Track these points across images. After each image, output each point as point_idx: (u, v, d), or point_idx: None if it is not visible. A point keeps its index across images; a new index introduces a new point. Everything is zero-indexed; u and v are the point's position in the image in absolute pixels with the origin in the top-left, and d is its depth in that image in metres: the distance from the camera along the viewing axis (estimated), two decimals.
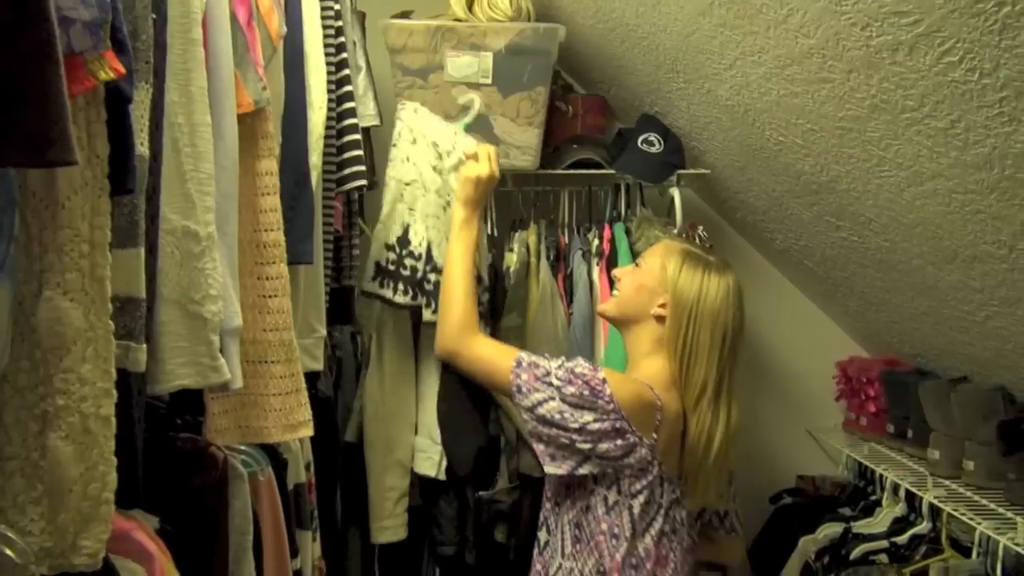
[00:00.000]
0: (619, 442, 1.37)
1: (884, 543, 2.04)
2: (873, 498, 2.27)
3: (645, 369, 1.49)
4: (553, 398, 1.38)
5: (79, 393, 0.69)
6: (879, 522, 2.15)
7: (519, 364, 1.45)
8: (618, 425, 1.36)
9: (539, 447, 1.42)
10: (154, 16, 0.80)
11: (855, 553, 2.03)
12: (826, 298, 2.51)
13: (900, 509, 2.12)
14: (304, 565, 1.45)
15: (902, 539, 2.04)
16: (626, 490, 1.41)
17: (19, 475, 0.69)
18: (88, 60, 0.63)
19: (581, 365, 1.42)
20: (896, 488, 2.11)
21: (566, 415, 1.37)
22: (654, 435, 1.40)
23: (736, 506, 1.66)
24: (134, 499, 0.88)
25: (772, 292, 2.63)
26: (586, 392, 1.37)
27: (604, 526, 1.42)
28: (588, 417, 1.36)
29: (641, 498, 1.41)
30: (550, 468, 1.41)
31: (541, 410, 1.38)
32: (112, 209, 0.75)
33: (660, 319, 1.49)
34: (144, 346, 0.81)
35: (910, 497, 2.07)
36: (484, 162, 1.68)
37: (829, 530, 2.18)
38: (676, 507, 1.46)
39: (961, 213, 1.45)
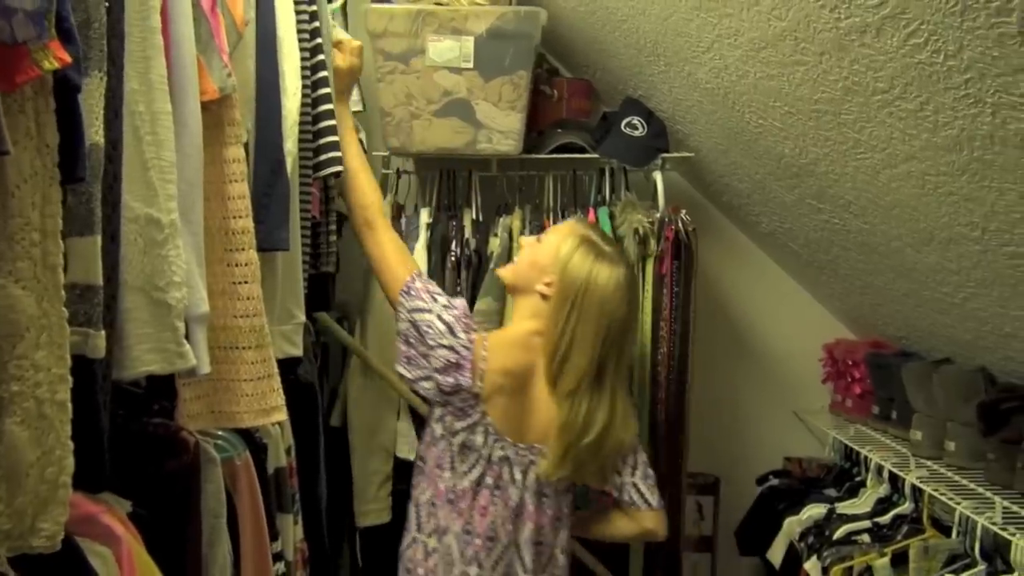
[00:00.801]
0: (451, 378, 1.51)
1: (867, 523, 2.06)
2: (858, 479, 2.29)
3: (502, 331, 1.68)
4: (431, 311, 1.54)
5: (33, 379, 0.70)
6: (863, 503, 2.17)
7: (420, 275, 1.61)
8: (460, 362, 1.51)
9: (401, 347, 1.56)
10: (107, 4, 0.80)
11: (838, 533, 2.05)
12: (812, 280, 2.52)
13: (884, 490, 2.14)
14: (285, 547, 1.47)
15: (885, 519, 2.06)
16: (449, 426, 1.55)
17: None
18: (32, 50, 0.63)
19: (467, 313, 1.58)
20: (880, 469, 2.13)
21: (432, 331, 1.52)
22: (480, 383, 1.52)
23: (638, 481, 1.66)
24: (101, 483, 0.89)
25: (759, 274, 2.64)
26: (457, 326, 1.53)
27: (433, 455, 1.57)
28: (445, 342, 1.51)
29: (459, 439, 1.54)
30: (401, 369, 1.56)
31: (417, 316, 1.54)
32: (67, 198, 0.76)
33: (544, 297, 1.57)
34: (103, 332, 0.82)
35: (893, 478, 2.08)
36: (345, 54, 1.72)
37: (814, 511, 2.19)
38: (507, 465, 1.56)
39: (935, 195, 1.46)
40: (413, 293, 1.57)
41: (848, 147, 1.56)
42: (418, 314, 1.54)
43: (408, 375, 1.55)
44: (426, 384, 1.53)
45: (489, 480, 1.55)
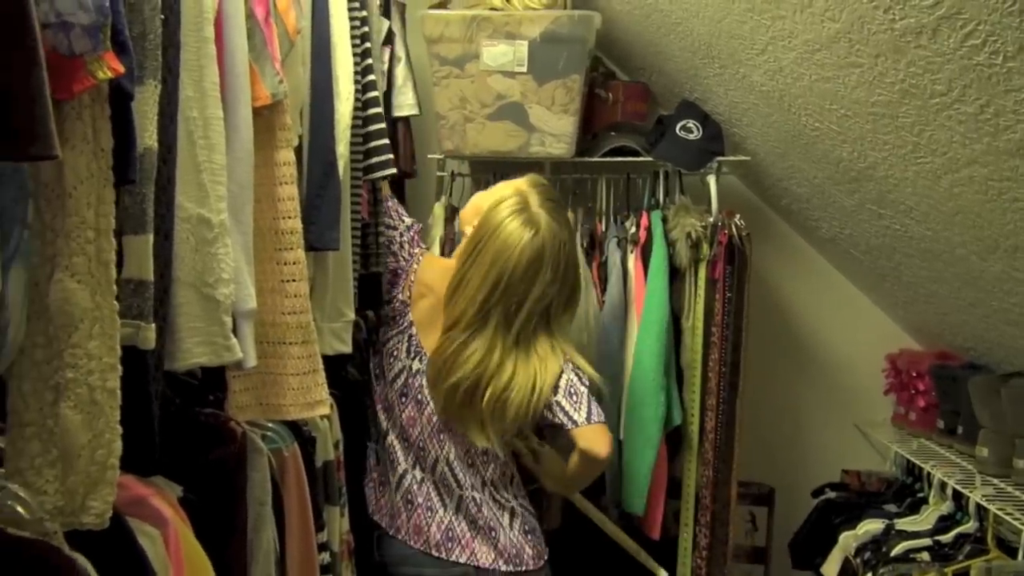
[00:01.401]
0: (393, 286, 1.70)
1: (927, 541, 1.99)
2: (920, 495, 2.21)
3: (443, 260, 1.81)
4: (396, 228, 1.79)
5: (86, 367, 0.75)
6: (924, 520, 2.09)
7: (392, 197, 1.83)
8: (398, 271, 1.71)
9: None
10: (163, 17, 0.85)
11: (896, 550, 1.98)
12: (874, 288, 2.44)
13: (947, 507, 2.06)
14: (331, 538, 1.51)
15: (947, 538, 1.98)
16: (383, 335, 1.69)
17: (36, 440, 0.76)
18: (88, 61, 0.68)
19: (418, 231, 1.83)
20: (943, 486, 2.05)
21: (390, 242, 1.76)
22: (408, 293, 1.67)
23: (569, 407, 1.59)
24: (152, 467, 0.94)
25: (819, 281, 2.57)
26: (413, 239, 1.78)
27: (373, 365, 1.73)
28: (394, 248, 1.75)
29: (388, 346, 1.67)
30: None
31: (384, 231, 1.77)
32: (123, 198, 0.81)
33: (463, 235, 1.67)
34: (153, 325, 0.87)
35: (957, 495, 2.00)
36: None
37: (871, 526, 2.13)
38: (421, 378, 1.65)
39: (999, 201, 1.40)
40: (382, 209, 1.74)
41: (907, 151, 1.51)
42: (386, 230, 1.74)
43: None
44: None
45: (410, 392, 1.65)
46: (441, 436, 1.65)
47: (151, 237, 0.86)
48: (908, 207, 1.72)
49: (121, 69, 0.71)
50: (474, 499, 1.65)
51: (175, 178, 0.93)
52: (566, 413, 1.57)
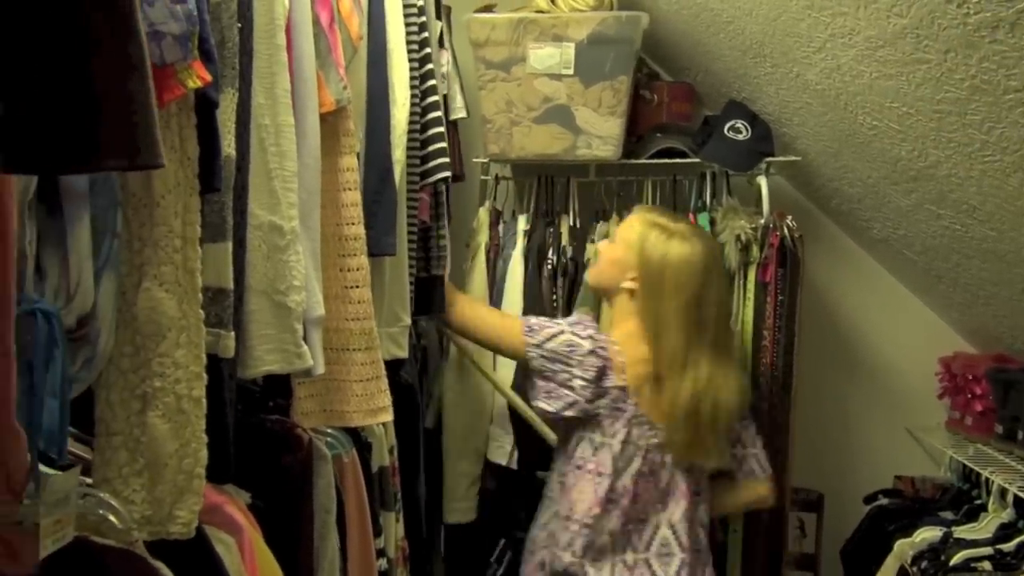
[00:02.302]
0: (604, 381, 1.58)
1: (988, 550, 1.93)
2: (978, 502, 2.15)
3: (617, 333, 1.65)
4: (563, 332, 1.61)
5: (174, 376, 0.75)
6: (983, 528, 2.04)
7: (529, 318, 1.68)
8: (601, 364, 1.58)
9: (540, 383, 1.61)
10: (239, 24, 0.85)
11: (956, 559, 1.93)
12: (928, 290, 2.38)
13: (1008, 515, 2.00)
14: (387, 544, 1.51)
15: (1009, 547, 1.92)
16: (607, 430, 1.59)
17: (123, 449, 0.76)
18: (178, 70, 0.68)
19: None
20: (1003, 492, 2.00)
21: (575, 346, 1.58)
22: (624, 376, 1.58)
23: (758, 451, 1.76)
24: (226, 475, 0.94)
25: (870, 283, 2.52)
26: (591, 333, 1.61)
27: (591, 466, 1.60)
28: (588, 346, 1.59)
29: (620, 437, 1.58)
30: (543, 404, 1.60)
31: (552, 343, 1.59)
32: (202, 206, 0.81)
33: (632, 292, 1.63)
34: (233, 333, 0.87)
35: (1019, 503, 1.95)
36: None
37: (928, 534, 2.07)
38: (656, 451, 1.61)
39: None
40: (536, 328, 1.64)
41: (974, 149, 1.47)
42: (552, 341, 1.61)
43: (550, 408, 1.60)
44: (570, 412, 1.59)
45: (645, 469, 1.61)
46: (668, 499, 1.65)
47: (230, 245, 0.86)
48: (971, 206, 1.68)
49: (209, 78, 0.71)
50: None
51: (248, 185, 0.93)
52: (760, 464, 1.77)
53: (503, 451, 2.01)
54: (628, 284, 1.62)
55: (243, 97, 0.90)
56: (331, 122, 1.14)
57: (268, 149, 0.96)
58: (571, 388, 1.57)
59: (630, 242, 1.62)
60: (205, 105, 0.76)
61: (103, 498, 0.73)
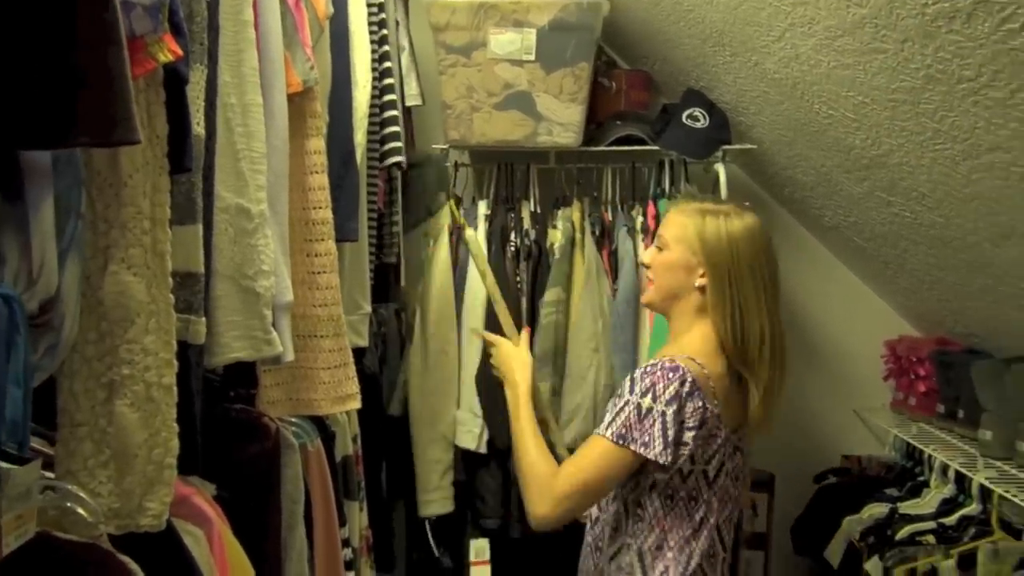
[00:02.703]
0: (701, 416, 1.33)
1: (932, 524, 2.01)
2: (921, 479, 2.24)
3: (686, 344, 1.40)
4: (664, 412, 1.30)
5: (143, 363, 0.72)
6: (927, 503, 2.12)
7: (612, 431, 1.31)
8: (698, 398, 1.32)
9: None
10: None
11: (901, 534, 2.01)
12: (876, 276, 2.46)
13: (949, 490, 2.09)
14: (352, 534, 1.49)
15: (950, 520, 2.01)
16: (700, 458, 1.35)
17: (88, 440, 0.73)
18: (148, 43, 0.65)
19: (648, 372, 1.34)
20: (945, 469, 2.08)
21: (676, 415, 1.30)
22: (715, 401, 1.34)
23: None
24: (193, 466, 0.91)
25: (820, 270, 2.59)
26: (670, 375, 1.31)
27: (683, 493, 1.37)
28: (687, 403, 1.31)
29: (715, 462, 1.37)
30: (663, 458, 1.31)
31: (670, 434, 1.30)
32: (170, 187, 0.78)
33: (702, 289, 1.42)
34: (203, 319, 0.84)
35: (959, 478, 2.03)
36: (498, 356, 1.55)
37: (874, 510, 2.15)
38: (731, 459, 1.42)
39: (1020, 186, 1.41)
40: (636, 433, 1.32)
41: (926, 137, 1.52)
42: (655, 429, 1.31)
43: (671, 455, 1.31)
44: (684, 450, 1.33)
45: (727, 482, 1.42)
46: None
47: (200, 228, 0.82)
48: (921, 194, 1.73)
49: (180, 52, 0.68)
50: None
51: (215, 166, 0.90)
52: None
53: (472, 435, 2.00)
54: (700, 282, 1.41)
55: (210, 75, 0.87)
56: (298, 103, 1.11)
57: (235, 129, 0.92)
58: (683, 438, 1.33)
59: (686, 238, 1.42)
60: (174, 81, 0.73)
61: (70, 490, 0.70)
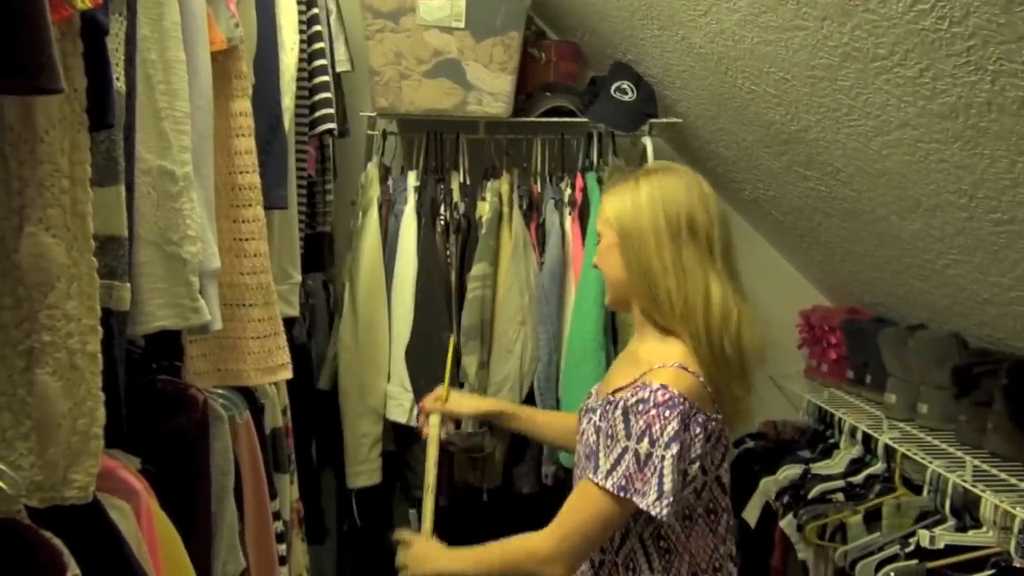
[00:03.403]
0: (704, 434, 1.20)
1: (841, 483, 2.13)
2: (832, 441, 2.36)
3: (672, 346, 1.25)
4: (663, 457, 1.16)
5: (65, 329, 0.69)
6: (836, 463, 2.24)
7: (612, 481, 1.18)
8: (699, 418, 1.19)
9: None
10: None
11: (813, 492, 2.12)
12: (792, 248, 2.56)
13: (857, 451, 2.21)
14: (282, 507, 1.47)
15: (858, 479, 2.13)
16: (711, 467, 1.26)
17: (6, 411, 0.69)
18: None
19: (645, 403, 1.19)
20: (853, 431, 2.20)
21: (677, 459, 1.16)
22: (715, 406, 1.23)
23: None
24: (118, 439, 0.88)
25: (739, 242, 2.59)
26: (666, 414, 1.16)
27: (700, 509, 1.27)
28: (686, 435, 1.17)
29: (725, 465, 1.29)
30: (656, 509, 1.17)
31: (667, 483, 1.16)
32: (90, 146, 0.74)
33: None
34: (128, 285, 0.81)
35: (867, 439, 2.15)
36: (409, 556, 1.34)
37: (789, 471, 2.26)
38: (718, 490, 1.33)
39: (925, 162, 1.49)
40: (637, 484, 1.18)
41: (842, 114, 1.58)
42: (666, 482, 1.17)
43: (668, 505, 1.17)
44: (690, 476, 1.22)
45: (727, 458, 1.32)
46: None
47: (122, 189, 0.78)
48: (836, 169, 1.81)
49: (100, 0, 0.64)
50: None
51: (135, 125, 0.86)
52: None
53: (402, 408, 2.00)
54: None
55: (129, 28, 0.82)
56: (222, 63, 1.06)
57: (156, 87, 0.88)
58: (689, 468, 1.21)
59: (605, 218, 1.31)
60: (92, 31, 0.69)
61: None
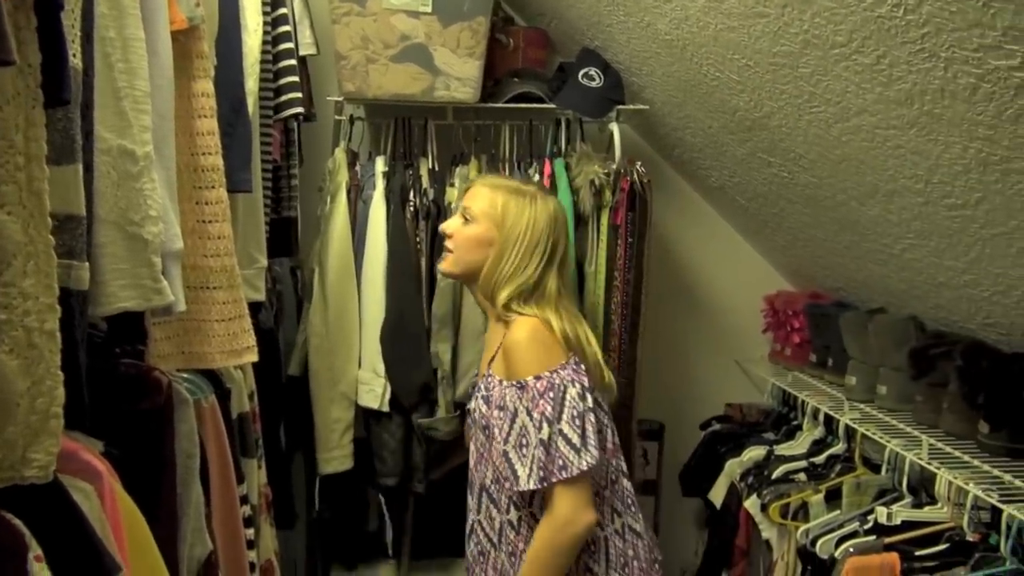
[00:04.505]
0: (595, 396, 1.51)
1: (803, 463, 2.18)
2: (795, 423, 2.41)
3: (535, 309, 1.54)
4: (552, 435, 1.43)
5: (22, 307, 0.68)
6: (799, 444, 2.29)
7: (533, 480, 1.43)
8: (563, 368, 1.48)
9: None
10: None
11: (776, 473, 2.16)
12: (756, 234, 2.60)
13: (819, 432, 2.26)
14: (250, 491, 1.47)
15: (820, 459, 2.18)
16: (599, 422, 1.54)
17: None
18: None
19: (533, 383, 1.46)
20: (816, 413, 2.25)
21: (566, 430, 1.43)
22: (571, 355, 1.50)
23: None
24: (80, 422, 0.87)
25: (705, 229, 2.71)
26: (551, 397, 1.45)
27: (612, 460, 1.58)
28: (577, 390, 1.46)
29: (593, 417, 1.47)
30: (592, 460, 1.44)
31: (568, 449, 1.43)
32: (46, 123, 0.73)
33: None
34: (87, 264, 0.80)
35: (828, 421, 2.20)
36: None
37: (753, 453, 2.31)
38: (599, 411, 1.57)
39: (883, 148, 1.52)
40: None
41: (803, 100, 1.61)
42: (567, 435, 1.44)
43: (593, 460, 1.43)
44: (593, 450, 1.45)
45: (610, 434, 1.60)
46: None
47: (80, 167, 0.78)
48: (798, 155, 1.84)
49: None
50: None
51: (93, 104, 0.85)
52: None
53: (374, 394, 2.00)
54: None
55: (85, 4, 0.81)
56: (183, 42, 1.05)
57: (115, 65, 0.87)
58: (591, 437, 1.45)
59: (493, 214, 1.57)
60: (46, 5, 0.68)
61: None
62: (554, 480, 1.40)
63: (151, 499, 1.03)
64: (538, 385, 1.44)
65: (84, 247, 0.80)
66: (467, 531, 1.62)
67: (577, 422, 1.42)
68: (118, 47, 0.87)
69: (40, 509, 0.79)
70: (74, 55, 0.75)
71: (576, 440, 1.41)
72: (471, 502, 1.61)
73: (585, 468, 1.41)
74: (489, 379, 1.55)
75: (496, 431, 1.49)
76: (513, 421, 1.45)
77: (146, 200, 0.90)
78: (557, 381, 1.44)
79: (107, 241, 0.89)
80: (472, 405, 1.61)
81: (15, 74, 0.66)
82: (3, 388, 0.68)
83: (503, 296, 1.53)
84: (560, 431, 1.41)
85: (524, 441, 1.43)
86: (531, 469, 1.41)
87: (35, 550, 0.73)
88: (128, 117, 0.88)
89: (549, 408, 1.42)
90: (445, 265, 1.61)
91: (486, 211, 1.55)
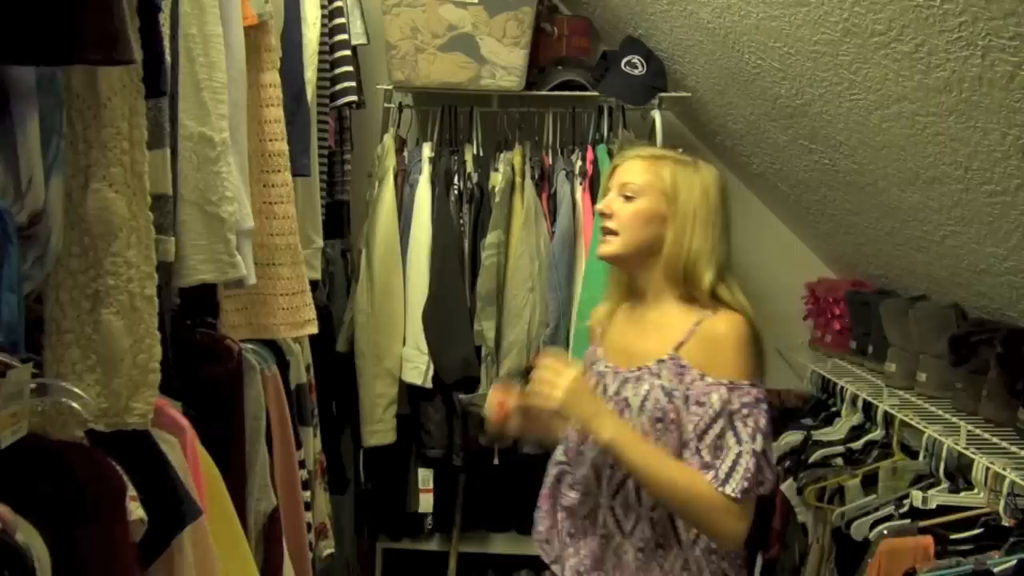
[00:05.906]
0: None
1: (841, 448, 2.20)
2: (833, 409, 2.42)
3: (735, 308, 1.39)
4: (744, 451, 1.27)
5: (127, 275, 0.78)
6: (837, 430, 2.31)
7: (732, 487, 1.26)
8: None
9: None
10: None
11: (814, 457, 2.19)
12: (798, 221, 2.62)
13: (857, 418, 2.27)
14: (307, 457, 1.57)
15: (857, 445, 2.19)
16: None
17: (75, 347, 0.78)
18: None
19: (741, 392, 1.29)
20: (854, 399, 2.26)
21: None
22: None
23: None
24: (161, 384, 0.97)
25: (747, 215, 2.72)
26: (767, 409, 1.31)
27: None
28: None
29: None
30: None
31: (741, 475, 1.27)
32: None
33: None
34: (172, 239, 0.89)
35: (867, 407, 2.21)
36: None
37: (791, 438, 2.33)
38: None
39: (923, 135, 1.55)
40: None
41: (843, 88, 1.64)
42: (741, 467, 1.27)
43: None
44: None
45: None
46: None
47: (168, 152, 0.87)
48: (838, 142, 1.87)
49: None
50: None
51: (178, 95, 0.94)
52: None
53: (418, 371, 2.09)
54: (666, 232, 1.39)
55: (171, 5, 0.90)
56: (253, 37, 1.14)
57: (196, 59, 0.96)
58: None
59: (661, 186, 1.39)
60: (147, 7, 0.77)
61: (64, 386, 0.75)
62: (752, 495, 1.28)
63: (223, 455, 1.13)
64: (755, 393, 1.29)
65: (171, 223, 0.89)
66: (579, 511, 1.42)
67: (771, 441, 1.32)
68: (199, 43, 0.96)
69: (134, 456, 0.88)
70: (166, 51, 0.84)
71: (773, 460, 1.32)
72: (592, 484, 1.40)
73: (771, 491, 1.37)
74: (672, 364, 1.34)
75: (689, 425, 1.30)
76: (715, 420, 1.28)
77: (223, 182, 0.99)
78: (763, 395, 1.31)
79: (188, 219, 0.98)
80: (632, 392, 1.36)
81: (122, 69, 0.75)
82: (110, 345, 0.77)
83: (708, 279, 1.39)
84: (771, 447, 1.31)
85: (721, 443, 1.27)
86: (736, 477, 1.25)
87: (132, 491, 0.83)
88: (207, 106, 0.97)
89: (763, 421, 1.29)
90: (611, 248, 1.39)
91: (653, 183, 1.37)
